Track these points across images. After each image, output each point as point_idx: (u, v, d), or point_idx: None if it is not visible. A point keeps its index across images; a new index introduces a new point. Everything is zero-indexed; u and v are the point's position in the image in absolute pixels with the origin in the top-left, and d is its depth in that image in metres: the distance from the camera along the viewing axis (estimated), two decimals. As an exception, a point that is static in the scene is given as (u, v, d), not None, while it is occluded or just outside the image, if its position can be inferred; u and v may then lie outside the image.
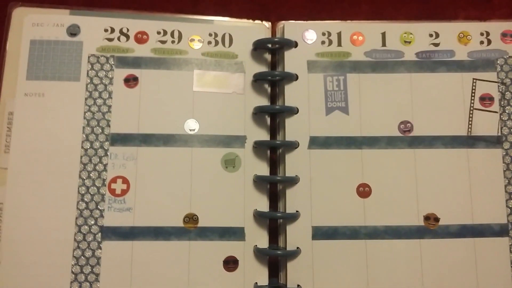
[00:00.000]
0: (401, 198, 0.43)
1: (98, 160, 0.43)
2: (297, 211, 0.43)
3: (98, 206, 0.43)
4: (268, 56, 0.47)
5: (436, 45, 0.46)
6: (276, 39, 0.46)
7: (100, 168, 0.43)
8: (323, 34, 0.46)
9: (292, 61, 0.46)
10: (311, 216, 0.43)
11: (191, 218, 0.43)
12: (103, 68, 0.45)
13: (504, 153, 0.44)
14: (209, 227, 0.43)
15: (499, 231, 0.43)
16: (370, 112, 0.45)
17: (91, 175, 0.43)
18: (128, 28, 0.46)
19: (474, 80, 0.45)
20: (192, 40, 0.46)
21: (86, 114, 0.44)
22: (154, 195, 0.43)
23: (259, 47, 0.46)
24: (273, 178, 0.44)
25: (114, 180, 0.43)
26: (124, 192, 0.43)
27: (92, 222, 0.42)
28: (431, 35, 0.46)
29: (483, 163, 0.44)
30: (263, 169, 0.45)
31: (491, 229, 0.43)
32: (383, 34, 0.46)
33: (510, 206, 0.43)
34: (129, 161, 0.43)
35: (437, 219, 0.43)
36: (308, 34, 0.46)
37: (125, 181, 0.43)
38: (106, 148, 0.43)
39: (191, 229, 0.43)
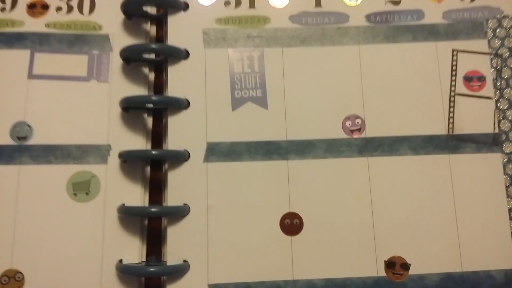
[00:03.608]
0: (348, 235, 0.32)
1: None
2: (185, 261, 0.31)
3: None
4: (150, 28, 0.35)
5: (396, 3, 0.36)
6: (154, -1, 0.35)
7: None
8: (228, -9, 0.35)
9: (179, 30, 0.35)
10: (207, 269, 0.31)
11: (11, 277, 0.30)
12: None
13: (505, 160, 0.33)
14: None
15: (504, 282, 0.31)
16: (298, 104, 0.34)
17: None
18: None
19: (455, 52, 0.35)
20: (33, 6, 0.35)
21: None
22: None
23: (133, 13, 0.35)
24: (146, 210, 0.31)
25: None
26: None
27: None
28: (388, -10, 0.35)
29: (474, 176, 0.33)
30: (136, 196, 0.32)
31: (491, 279, 0.31)
32: (318, -10, 0.35)
33: (518, 242, 0.31)
34: None
35: (405, 266, 0.31)
36: (205, -8, 0.35)
37: None
38: None
39: (12, 294, 0.30)
